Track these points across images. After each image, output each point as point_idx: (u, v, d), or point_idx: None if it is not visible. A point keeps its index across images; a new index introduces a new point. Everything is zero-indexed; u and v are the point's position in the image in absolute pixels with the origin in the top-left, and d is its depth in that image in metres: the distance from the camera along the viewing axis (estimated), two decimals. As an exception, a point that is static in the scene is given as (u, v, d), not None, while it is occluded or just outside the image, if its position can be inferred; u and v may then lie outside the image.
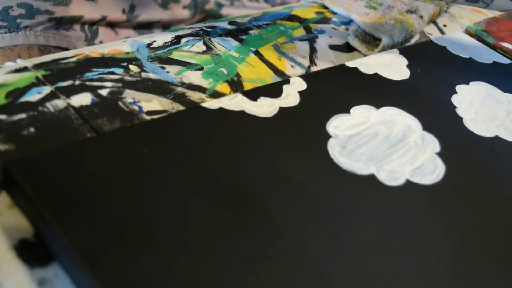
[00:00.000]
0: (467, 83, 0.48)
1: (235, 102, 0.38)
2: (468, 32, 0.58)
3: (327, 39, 0.53)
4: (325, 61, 0.49)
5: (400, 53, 0.50)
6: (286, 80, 0.42)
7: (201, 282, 0.27)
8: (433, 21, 0.60)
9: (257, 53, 0.48)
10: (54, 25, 0.58)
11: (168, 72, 0.42)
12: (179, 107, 0.39)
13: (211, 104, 0.38)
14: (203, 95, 0.41)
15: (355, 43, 0.52)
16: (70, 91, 0.38)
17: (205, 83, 0.42)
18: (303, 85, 0.42)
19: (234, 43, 0.48)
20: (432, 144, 0.40)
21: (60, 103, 0.37)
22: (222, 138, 0.35)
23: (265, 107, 0.39)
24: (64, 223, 0.27)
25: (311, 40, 0.52)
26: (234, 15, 0.53)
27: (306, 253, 0.29)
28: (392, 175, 0.36)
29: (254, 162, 0.34)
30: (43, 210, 0.28)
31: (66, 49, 0.57)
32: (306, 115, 0.39)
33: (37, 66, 0.39)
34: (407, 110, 0.42)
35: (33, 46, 0.56)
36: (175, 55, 0.44)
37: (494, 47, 0.56)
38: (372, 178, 0.35)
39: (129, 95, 0.39)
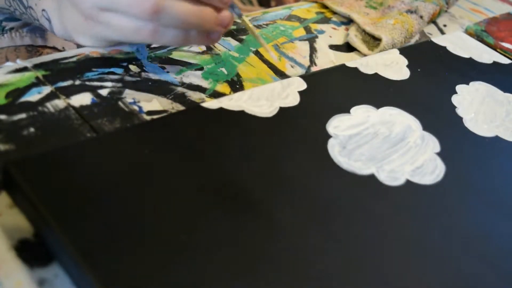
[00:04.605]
0: (467, 83, 0.48)
1: (235, 102, 0.38)
2: (468, 32, 0.58)
3: (327, 39, 0.53)
4: (325, 61, 0.49)
5: (400, 53, 0.50)
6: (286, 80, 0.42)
7: (201, 282, 0.27)
8: (433, 21, 0.60)
9: (257, 53, 0.48)
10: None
11: (168, 72, 0.42)
12: (179, 107, 0.39)
13: (211, 104, 0.38)
14: (203, 95, 0.41)
15: (355, 43, 0.52)
16: (70, 91, 0.38)
17: (205, 83, 0.42)
18: (303, 85, 0.42)
19: (234, 43, 0.48)
20: (432, 144, 0.39)
21: (60, 103, 0.37)
22: (222, 138, 0.35)
23: (265, 107, 0.39)
24: (64, 223, 0.27)
25: (311, 40, 0.52)
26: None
27: (306, 253, 0.29)
28: (392, 175, 0.36)
29: (254, 162, 0.34)
30: (43, 210, 0.28)
31: (54, 48, 0.57)
32: (306, 115, 0.39)
33: (37, 66, 0.39)
34: (407, 110, 0.42)
35: (20, 47, 0.56)
36: (175, 55, 0.44)
37: (494, 47, 0.56)
38: (372, 178, 0.35)
39: (129, 95, 0.39)
